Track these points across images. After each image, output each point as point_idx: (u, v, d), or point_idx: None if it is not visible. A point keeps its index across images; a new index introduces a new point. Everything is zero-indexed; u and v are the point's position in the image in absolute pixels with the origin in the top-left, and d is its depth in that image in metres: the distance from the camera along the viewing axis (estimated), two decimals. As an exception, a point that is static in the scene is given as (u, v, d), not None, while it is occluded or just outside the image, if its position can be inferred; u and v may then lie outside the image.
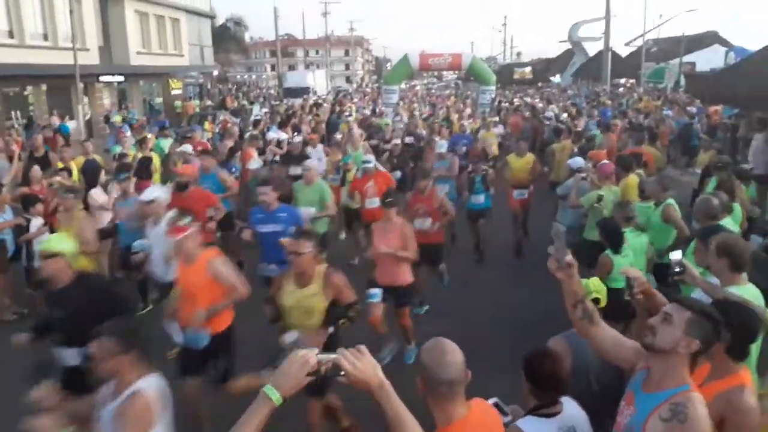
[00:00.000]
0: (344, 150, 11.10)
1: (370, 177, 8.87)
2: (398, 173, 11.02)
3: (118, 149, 11.86)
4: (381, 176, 9.13)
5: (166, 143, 13.14)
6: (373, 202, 8.58)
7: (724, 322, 2.46)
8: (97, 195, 8.68)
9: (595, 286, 3.59)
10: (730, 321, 2.69)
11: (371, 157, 9.59)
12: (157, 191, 7.03)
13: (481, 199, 9.55)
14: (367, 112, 22.46)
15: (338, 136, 12.60)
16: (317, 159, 11.28)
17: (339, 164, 10.30)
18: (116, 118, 18.43)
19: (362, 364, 1.98)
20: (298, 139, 12.35)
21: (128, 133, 14.68)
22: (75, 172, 10.05)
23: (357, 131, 13.00)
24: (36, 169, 9.08)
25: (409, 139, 14.47)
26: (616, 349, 2.81)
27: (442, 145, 10.87)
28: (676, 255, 3.65)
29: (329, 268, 4.69)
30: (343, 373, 1.95)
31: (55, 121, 22.23)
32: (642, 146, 10.97)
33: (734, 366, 2.79)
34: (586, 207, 7.64)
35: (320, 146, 12.06)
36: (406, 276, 6.45)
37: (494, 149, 13.53)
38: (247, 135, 13.71)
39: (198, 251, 4.97)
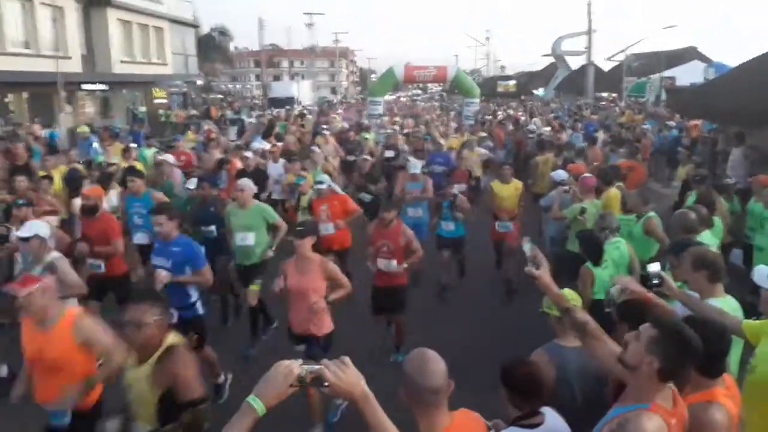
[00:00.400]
0: (302, 167, 10.18)
1: (323, 200, 8.10)
2: (366, 195, 9.78)
3: (101, 159, 11.75)
4: (337, 198, 8.28)
5: (150, 153, 13.06)
6: (327, 228, 7.90)
7: (694, 341, 2.44)
8: (79, 204, 8.58)
9: (570, 295, 3.61)
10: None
11: (325, 177, 8.64)
12: (36, 227, 5.69)
13: (450, 226, 8.56)
14: (347, 125, 21.85)
15: (315, 148, 11.83)
16: (277, 175, 10.91)
17: (292, 185, 9.48)
18: (82, 129, 17.97)
19: (346, 375, 1.97)
20: (251, 153, 11.56)
21: (95, 144, 14.58)
22: (57, 181, 9.94)
23: (320, 150, 11.89)
24: (21, 179, 8.97)
25: (388, 153, 13.34)
26: (614, 362, 2.81)
27: (415, 165, 9.69)
28: (654, 267, 3.68)
29: (177, 347, 3.45)
30: (327, 383, 1.95)
31: (37, 129, 21.95)
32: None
33: (707, 381, 2.79)
34: (569, 219, 7.72)
35: (282, 161, 11.20)
36: (323, 324, 5.41)
37: (477, 169, 12.91)
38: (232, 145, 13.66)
39: (55, 311, 3.96)
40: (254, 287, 7.10)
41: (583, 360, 3.48)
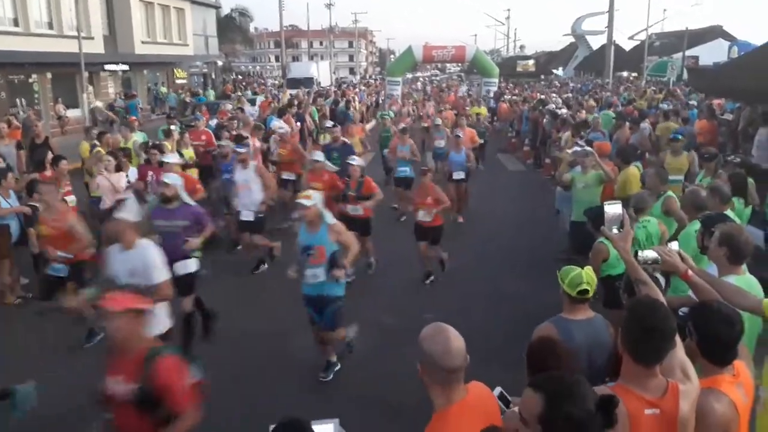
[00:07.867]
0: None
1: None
2: None
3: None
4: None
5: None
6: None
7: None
8: (100, 180, 8.82)
9: (587, 276, 3.56)
10: (702, 327, 2.70)
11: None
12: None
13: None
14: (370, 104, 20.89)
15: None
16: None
17: None
18: None
19: None
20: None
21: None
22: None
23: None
24: (50, 154, 9.23)
25: None
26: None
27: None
28: (673, 245, 3.63)
29: None
30: None
31: (60, 109, 22.32)
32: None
33: (713, 368, 2.73)
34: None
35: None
36: None
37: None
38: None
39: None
40: None
41: (590, 333, 3.47)
